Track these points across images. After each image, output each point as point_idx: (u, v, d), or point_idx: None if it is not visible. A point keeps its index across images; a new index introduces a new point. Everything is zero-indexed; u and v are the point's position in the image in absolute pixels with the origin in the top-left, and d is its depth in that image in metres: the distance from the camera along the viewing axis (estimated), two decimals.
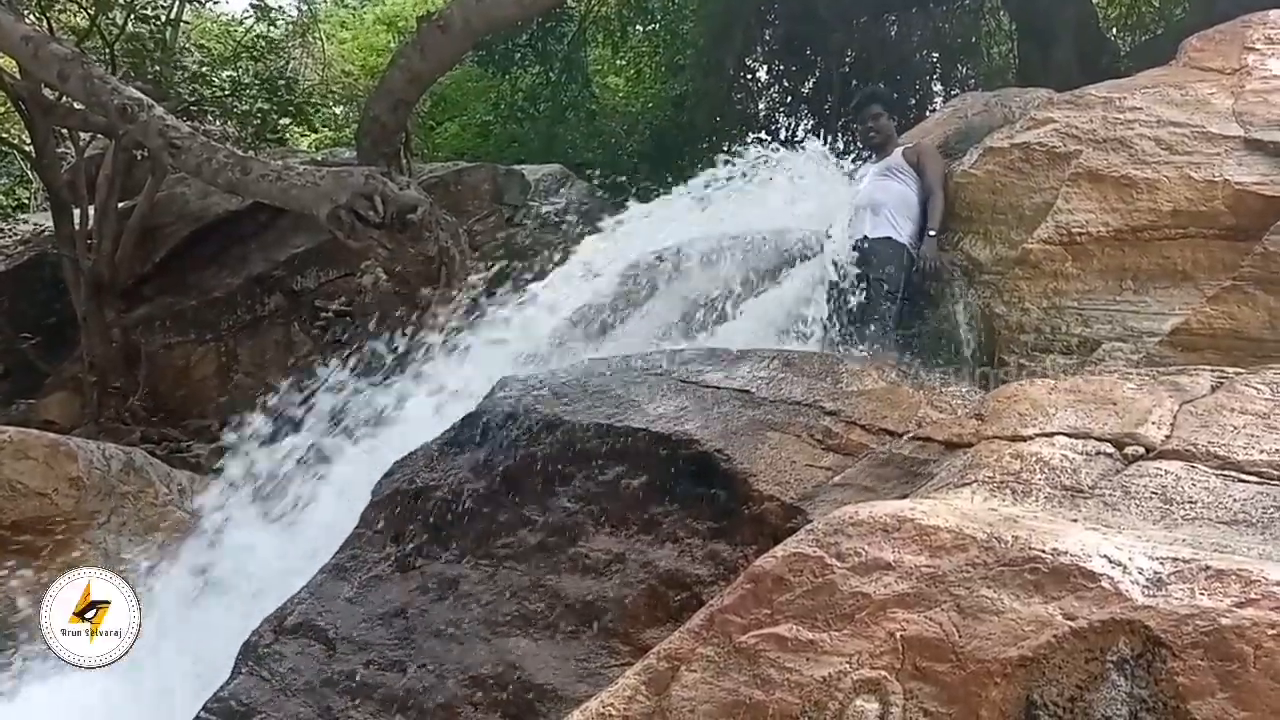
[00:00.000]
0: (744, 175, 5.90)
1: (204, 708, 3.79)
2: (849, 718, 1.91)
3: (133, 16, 10.79)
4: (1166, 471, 2.49)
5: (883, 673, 1.93)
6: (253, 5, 12.28)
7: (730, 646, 2.13)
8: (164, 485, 6.17)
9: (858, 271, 5.18)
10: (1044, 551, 1.97)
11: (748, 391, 3.72)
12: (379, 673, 3.49)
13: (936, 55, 14.76)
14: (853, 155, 5.94)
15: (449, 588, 3.62)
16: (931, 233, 5.23)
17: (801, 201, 5.76)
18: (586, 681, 3.07)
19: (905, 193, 5.40)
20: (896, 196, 5.39)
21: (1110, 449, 2.65)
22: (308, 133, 14.58)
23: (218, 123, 11.00)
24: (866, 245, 5.22)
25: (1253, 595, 1.75)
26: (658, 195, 6.29)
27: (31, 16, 10.31)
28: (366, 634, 3.66)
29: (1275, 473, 2.41)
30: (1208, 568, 1.85)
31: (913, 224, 5.33)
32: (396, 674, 3.45)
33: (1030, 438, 2.81)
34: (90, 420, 9.86)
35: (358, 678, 3.53)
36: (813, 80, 14.71)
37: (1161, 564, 1.90)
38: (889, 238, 5.22)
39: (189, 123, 9.16)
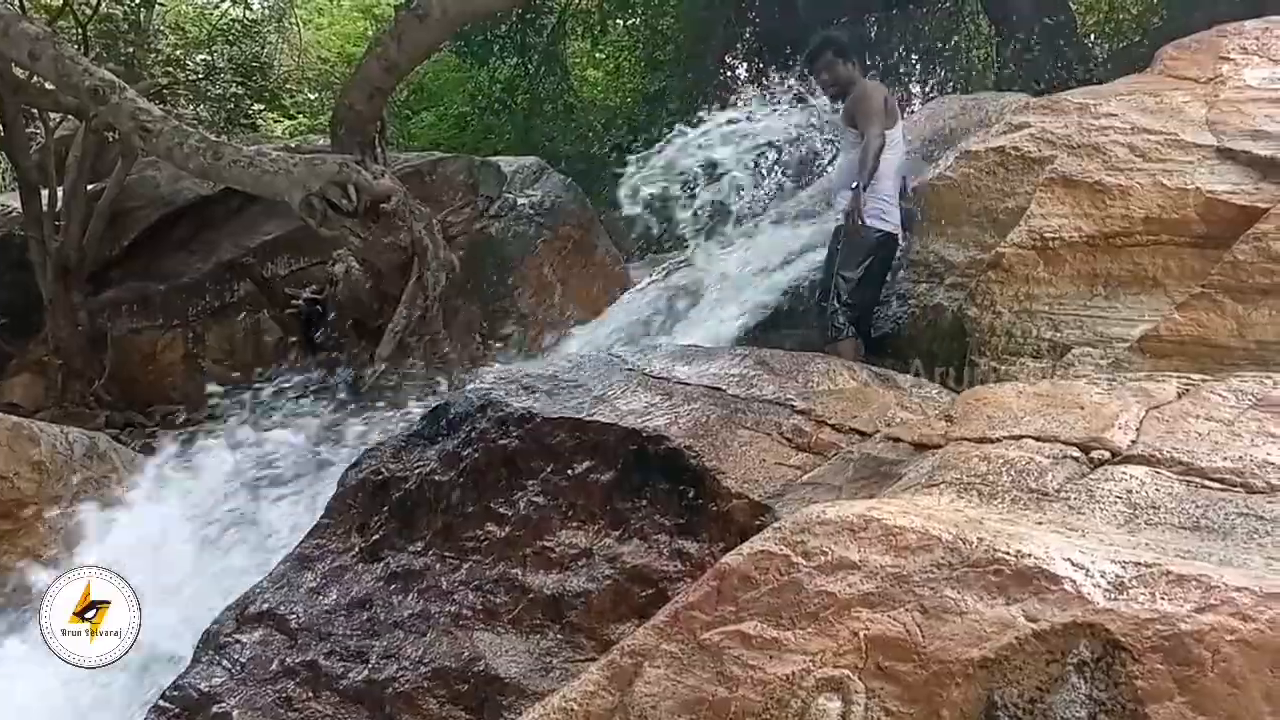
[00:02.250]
0: None
1: (163, 696, 3.76)
2: (811, 716, 1.91)
3: None
4: (1131, 476, 2.50)
5: (846, 671, 1.93)
6: None
7: (694, 643, 2.12)
8: (128, 470, 6.10)
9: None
10: (1008, 553, 1.97)
11: (718, 389, 3.73)
12: (340, 663, 3.47)
13: (915, 57, 14.82)
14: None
15: (413, 579, 3.60)
16: (853, 186, 4.96)
17: None
18: (549, 676, 3.06)
19: (854, 162, 5.12)
20: (848, 171, 5.18)
21: (1077, 453, 2.66)
22: (282, 119, 14.47)
23: (190, 107, 10.88)
24: (834, 229, 5.19)
25: (1212, 601, 1.76)
26: None
27: None
28: (329, 624, 3.63)
29: (1238, 479, 2.42)
30: (1169, 572, 1.86)
31: (870, 192, 5.00)
32: (358, 664, 3.43)
33: (998, 440, 2.82)
34: (55, 404, 9.74)
35: (319, 668, 3.50)
36: (792, 79, 14.73)
37: (1124, 568, 1.91)
38: (837, 225, 5.14)
39: (161, 106, 9.06)
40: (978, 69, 14.51)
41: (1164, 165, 4.59)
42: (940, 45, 14.63)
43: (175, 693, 3.73)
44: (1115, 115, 4.95)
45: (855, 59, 5.42)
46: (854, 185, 4.95)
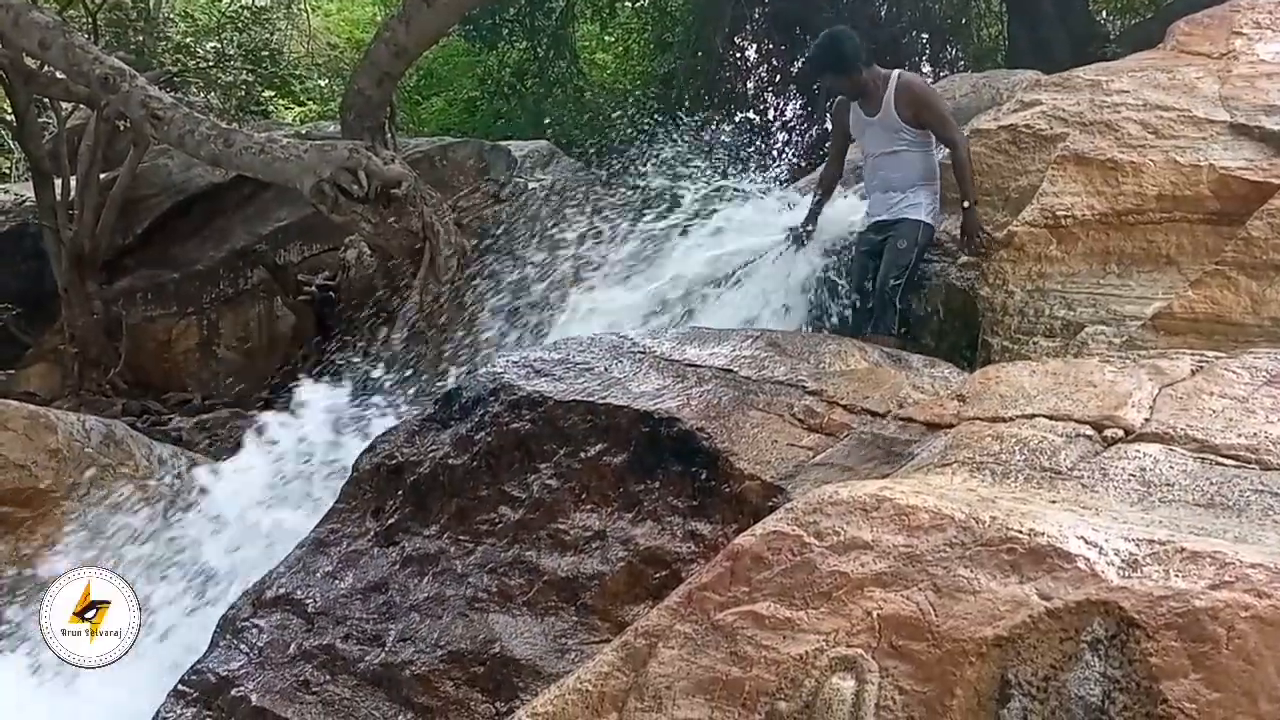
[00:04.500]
0: None
1: (181, 680, 3.79)
2: (825, 695, 1.92)
3: None
4: (1145, 454, 2.49)
5: (859, 651, 1.94)
6: None
7: (708, 624, 2.13)
8: (145, 458, 6.13)
9: (867, 254, 5.07)
10: (1021, 532, 1.97)
11: (730, 370, 3.72)
12: (357, 646, 3.49)
13: (926, 36, 14.73)
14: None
15: (428, 563, 3.62)
16: (966, 204, 4.83)
17: None
18: (565, 658, 3.07)
19: (915, 160, 5.03)
20: (910, 169, 5.03)
21: (1090, 431, 2.66)
22: (292, 106, 14.48)
23: (201, 94, 10.89)
24: (887, 228, 5.02)
25: (1227, 578, 1.76)
26: None
27: None
28: (345, 608, 3.65)
29: (1252, 456, 2.42)
30: (1183, 550, 1.86)
31: (929, 190, 5.02)
32: (375, 648, 3.45)
33: (1011, 419, 2.82)
34: (71, 392, 9.81)
35: (336, 651, 3.52)
36: (801, 59, 14.67)
37: (1137, 545, 1.90)
38: (905, 219, 4.98)
39: (172, 94, 9.07)
40: (988, 46, 14.43)
41: (1177, 142, 4.57)
42: (950, 23, 14.53)
43: (194, 677, 3.76)
44: (1127, 92, 4.93)
45: (859, 59, 5.04)
46: (965, 204, 4.82)
